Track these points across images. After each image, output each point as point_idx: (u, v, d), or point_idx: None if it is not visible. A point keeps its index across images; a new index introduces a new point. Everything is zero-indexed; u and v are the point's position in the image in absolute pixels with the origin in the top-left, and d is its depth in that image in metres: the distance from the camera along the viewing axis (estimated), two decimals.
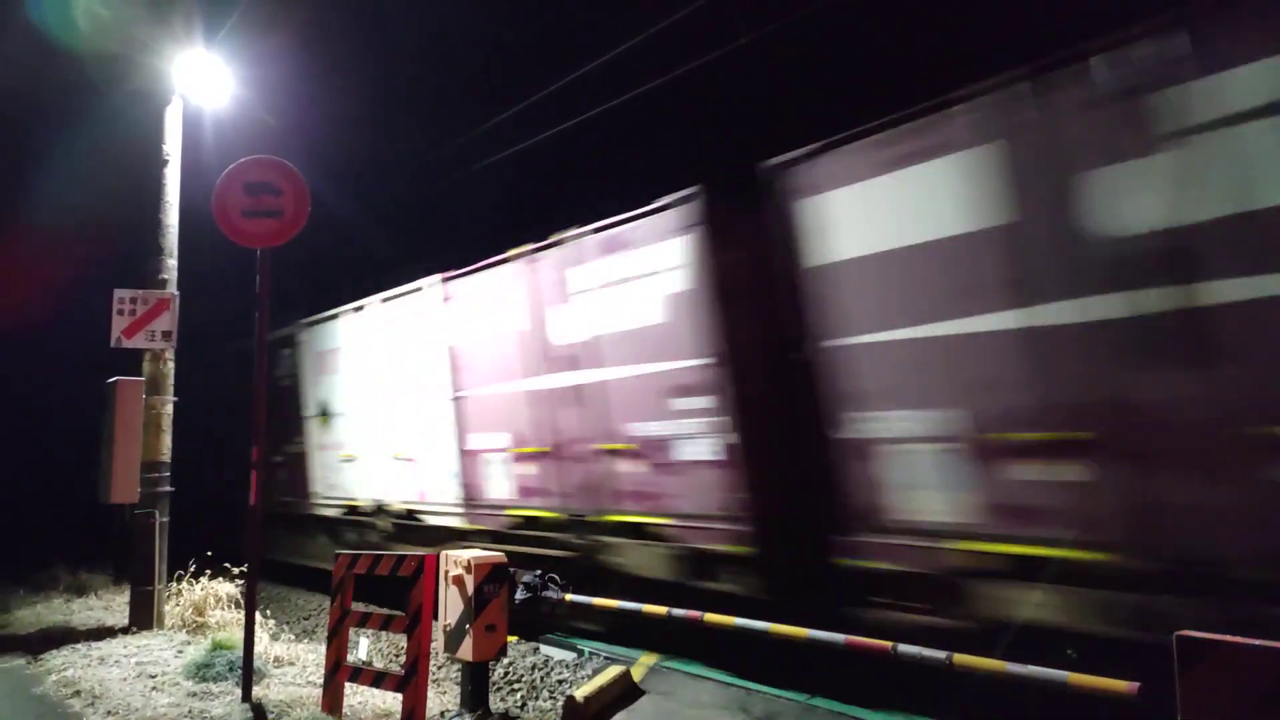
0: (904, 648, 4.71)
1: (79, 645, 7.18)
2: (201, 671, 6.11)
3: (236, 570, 7.94)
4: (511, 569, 5.93)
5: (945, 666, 4.50)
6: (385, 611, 6.64)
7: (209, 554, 8.47)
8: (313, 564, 11.38)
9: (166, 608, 7.94)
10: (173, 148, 8.36)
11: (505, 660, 7.02)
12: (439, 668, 6.91)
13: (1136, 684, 3.77)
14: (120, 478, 7.69)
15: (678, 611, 6.04)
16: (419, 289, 9.43)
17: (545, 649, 7.36)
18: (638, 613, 6.32)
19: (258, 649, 6.14)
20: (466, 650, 5.45)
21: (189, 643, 7.14)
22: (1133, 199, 4.16)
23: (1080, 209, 4.36)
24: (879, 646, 4.82)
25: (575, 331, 7.44)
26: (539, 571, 6.99)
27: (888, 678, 5.30)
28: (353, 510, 10.57)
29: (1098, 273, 4.28)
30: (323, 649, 5.95)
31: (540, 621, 7.59)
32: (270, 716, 5.19)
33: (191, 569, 8.30)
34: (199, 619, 7.79)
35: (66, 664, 6.65)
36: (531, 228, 7.93)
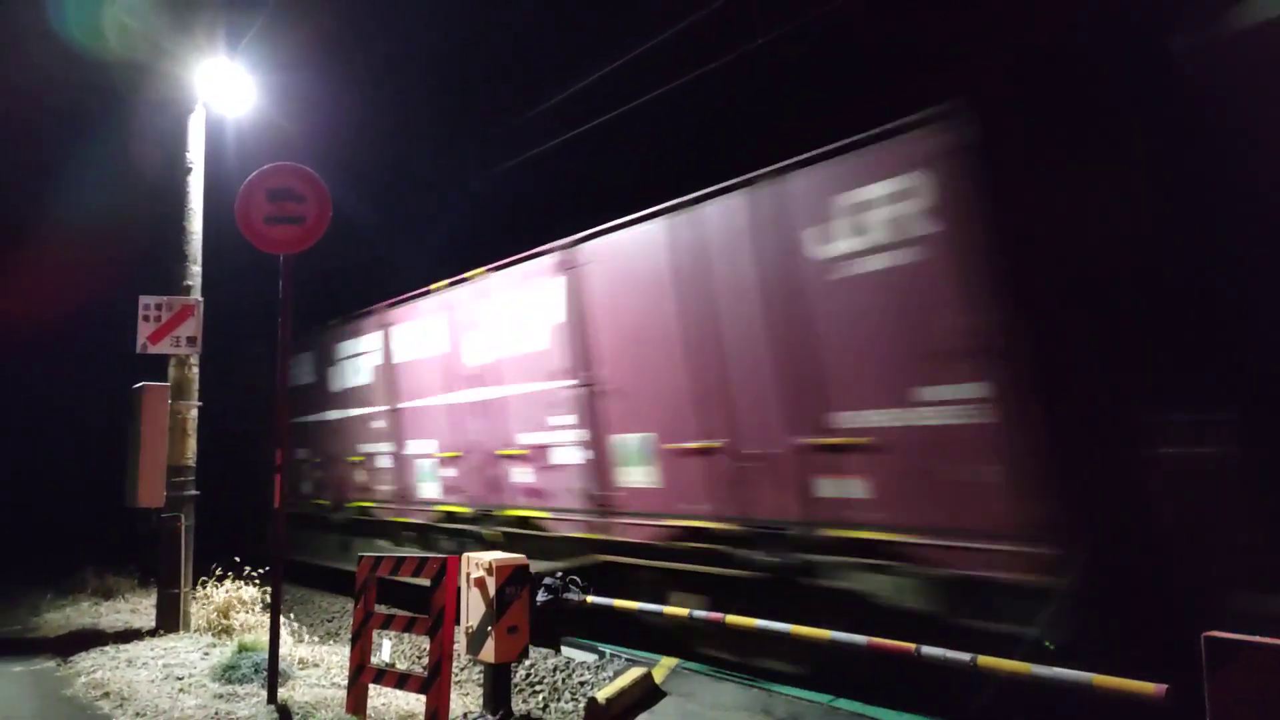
0: (927, 649, 4.68)
1: (107, 647, 7.28)
2: (227, 673, 6.17)
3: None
4: (533, 570, 5.95)
5: (969, 668, 4.47)
6: (408, 614, 6.68)
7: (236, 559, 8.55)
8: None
9: (193, 610, 8.02)
10: (196, 155, 8.47)
11: (527, 662, 7.04)
12: (461, 669, 6.94)
13: (1164, 686, 3.73)
14: (146, 482, 7.79)
15: (699, 613, 6.04)
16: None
17: (567, 650, 7.38)
18: (659, 614, 6.32)
19: (283, 651, 6.20)
20: (489, 652, 5.47)
21: (215, 645, 7.22)
22: None
23: None
24: (902, 648, 4.80)
25: None
26: (559, 573, 7.00)
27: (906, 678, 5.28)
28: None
29: None
30: (347, 651, 6.00)
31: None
32: (295, 718, 5.24)
33: (222, 571, 8.39)
34: (225, 621, 7.86)
35: (95, 666, 6.75)
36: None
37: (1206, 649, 2.69)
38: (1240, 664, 2.63)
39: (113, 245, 15.30)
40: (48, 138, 16.94)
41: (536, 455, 7.87)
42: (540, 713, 6.05)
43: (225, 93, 8.66)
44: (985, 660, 4.43)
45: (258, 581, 8.24)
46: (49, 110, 15.38)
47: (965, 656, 4.49)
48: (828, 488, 5.52)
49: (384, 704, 5.69)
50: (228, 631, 7.67)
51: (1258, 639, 2.66)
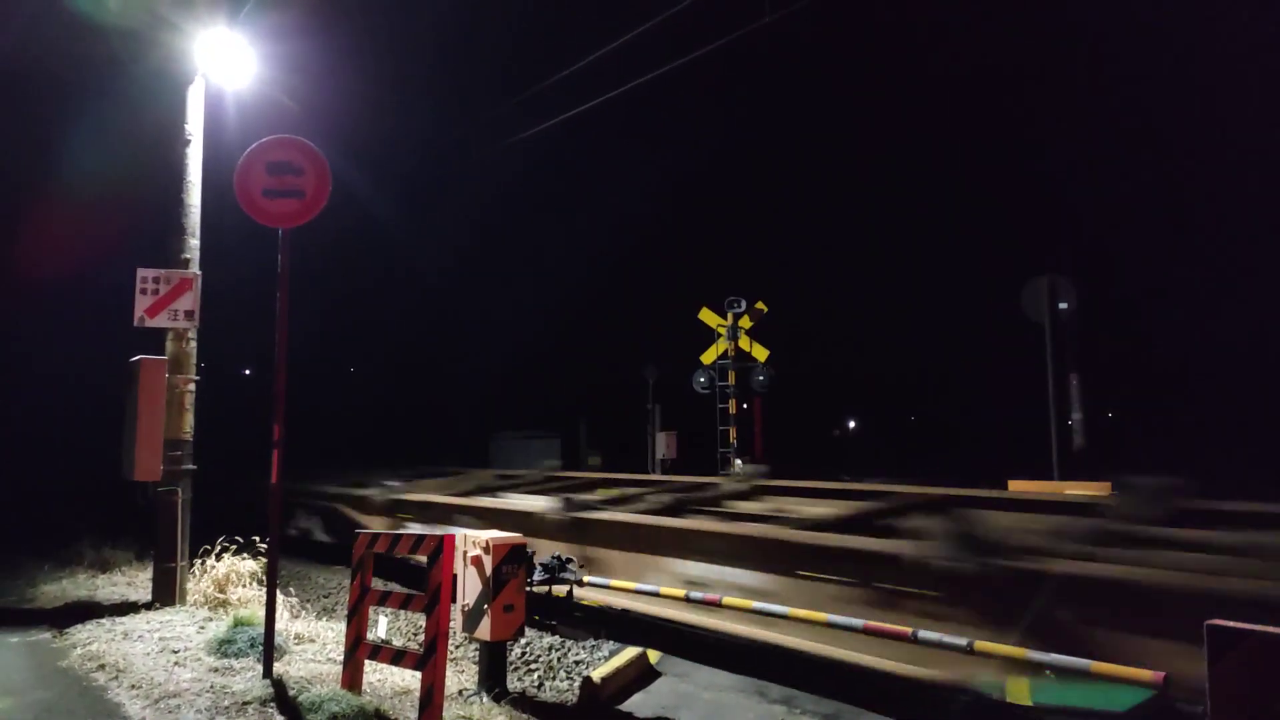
0: (923, 633, 4.67)
1: (103, 620, 7.28)
2: (223, 647, 6.18)
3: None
4: (530, 550, 5.94)
5: (966, 652, 4.46)
6: (405, 590, 6.68)
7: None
8: None
9: (189, 584, 8.02)
10: (195, 127, 8.38)
11: (523, 640, 7.05)
12: (457, 647, 6.95)
13: (1162, 673, 3.72)
14: (143, 455, 7.76)
15: (695, 594, 6.03)
16: None
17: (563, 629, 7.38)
18: (655, 594, 6.31)
19: (279, 626, 6.19)
20: (484, 630, 5.47)
21: (211, 619, 7.22)
22: None
23: None
24: (898, 631, 4.79)
25: None
26: (556, 554, 7.00)
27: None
28: None
29: None
30: (343, 626, 6.00)
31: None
32: (291, 692, 5.24)
33: (220, 546, 8.35)
34: (221, 596, 7.85)
35: (91, 638, 6.75)
36: None
37: (1209, 637, 2.67)
38: (1242, 653, 2.61)
39: (111, 217, 15.21)
40: (47, 108, 16.80)
41: None
42: (535, 691, 6.06)
43: (225, 64, 8.55)
44: (981, 644, 4.42)
45: (260, 556, 8.19)
46: (47, 81, 15.24)
47: (962, 641, 4.49)
48: None
49: (380, 679, 5.70)
50: (224, 606, 7.66)
51: (1260, 628, 2.64)
